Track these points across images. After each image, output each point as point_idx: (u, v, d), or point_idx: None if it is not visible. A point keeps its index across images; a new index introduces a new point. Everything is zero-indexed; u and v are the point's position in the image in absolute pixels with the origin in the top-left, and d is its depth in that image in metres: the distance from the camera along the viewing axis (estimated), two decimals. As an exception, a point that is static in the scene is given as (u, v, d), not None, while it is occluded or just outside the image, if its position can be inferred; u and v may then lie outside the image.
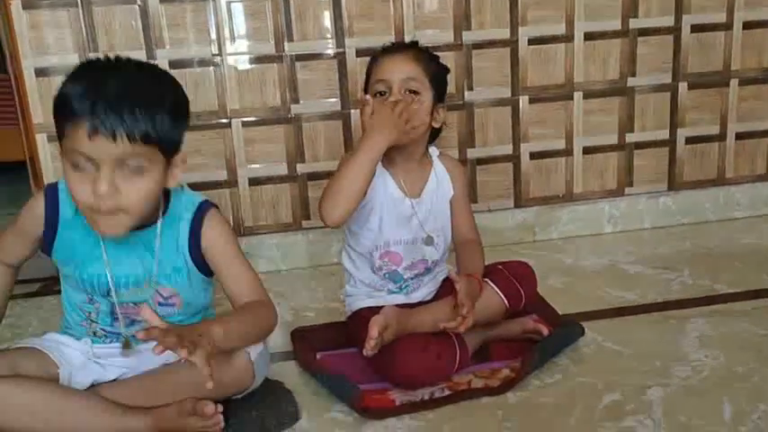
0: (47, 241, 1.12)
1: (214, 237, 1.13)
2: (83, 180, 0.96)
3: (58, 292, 1.81)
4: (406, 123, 1.26)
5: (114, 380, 1.17)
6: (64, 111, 0.95)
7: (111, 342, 1.19)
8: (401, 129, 1.26)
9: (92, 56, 1.72)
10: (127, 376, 1.17)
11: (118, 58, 1.01)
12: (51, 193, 1.10)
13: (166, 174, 1.03)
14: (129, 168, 0.96)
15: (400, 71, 1.31)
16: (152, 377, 1.14)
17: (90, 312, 1.17)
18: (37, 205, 1.11)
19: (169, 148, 1.01)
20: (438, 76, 1.36)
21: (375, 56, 1.38)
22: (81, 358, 1.16)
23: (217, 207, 1.17)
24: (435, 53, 1.41)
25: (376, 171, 1.28)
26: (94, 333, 1.19)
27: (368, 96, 1.29)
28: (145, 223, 1.08)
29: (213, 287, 1.23)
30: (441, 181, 1.41)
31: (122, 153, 0.94)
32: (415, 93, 1.31)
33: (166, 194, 1.11)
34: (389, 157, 1.35)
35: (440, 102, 1.37)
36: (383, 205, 1.34)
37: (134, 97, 0.94)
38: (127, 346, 1.17)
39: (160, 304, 1.15)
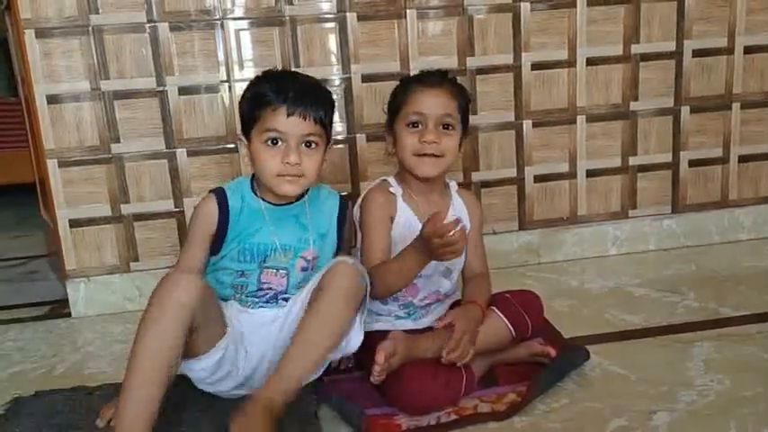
0: (219, 234, 1.30)
1: (348, 223, 1.42)
2: (275, 154, 1.26)
3: (68, 315, 1.87)
4: (446, 256, 1.20)
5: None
6: (264, 101, 1.26)
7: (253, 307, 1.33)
8: (442, 258, 1.21)
9: (104, 82, 1.77)
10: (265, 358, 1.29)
11: (287, 70, 1.42)
12: (220, 192, 1.33)
13: (323, 158, 1.32)
14: (308, 145, 1.27)
15: (438, 107, 1.33)
16: (304, 325, 1.22)
17: (240, 287, 1.32)
18: (209, 207, 1.31)
19: (329, 135, 1.33)
20: (466, 111, 1.39)
21: (407, 84, 1.38)
22: (233, 336, 1.27)
23: None
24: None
25: (398, 203, 1.36)
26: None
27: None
28: (294, 201, 1.34)
29: None
30: (458, 214, 1.41)
31: (307, 130, 1.26)
32: (450, 127, 1.33)
33: None
34: (412, 188, 1.37)
35: (464, 133, 1.39)
36: (404, 238, 1.32)
37: (316, 94, 1.29)
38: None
39: (303, 269, 1.33)
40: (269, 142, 1.26)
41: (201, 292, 1.15)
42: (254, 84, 1.32)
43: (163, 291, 1.13)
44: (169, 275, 1.17)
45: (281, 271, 1.31)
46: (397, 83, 1.43)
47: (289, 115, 1.24)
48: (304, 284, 1.32)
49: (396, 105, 1.38)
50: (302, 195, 1.36)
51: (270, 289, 1.32)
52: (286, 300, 1.32)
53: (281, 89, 1.26)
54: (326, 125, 1.31)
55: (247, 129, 1.30)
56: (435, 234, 1.15)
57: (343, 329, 1.22)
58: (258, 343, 1.28)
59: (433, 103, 1.33)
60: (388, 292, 1.32)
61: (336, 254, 1.38)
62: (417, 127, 1.33)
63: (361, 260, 1.35)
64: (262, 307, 1.32)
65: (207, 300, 1.18)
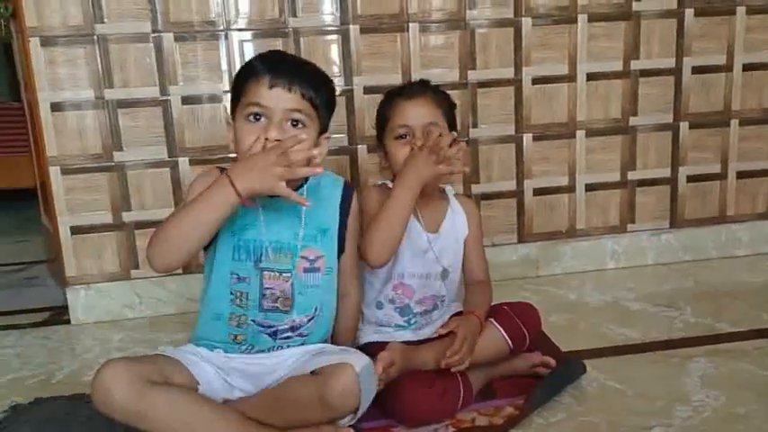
0: None
1: (354, 212, 1.32)
2: (255, 130, 1.16)
3: (67, 321, 1.87)
4: (439, 164, 1.26)
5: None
6: (250, 71, 1.18)
7: (246, 351, 1.23)
8: (435, 170, 1.26)
9: (108, 91, 1.79)
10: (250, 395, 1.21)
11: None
12: (222, 170, 1.20)
13: (315, 144, 1.21)
14: (294, 124, 1.17)
15: (422, 117, 1.34)
16: (274, 394, 1.17)
17: (241, 294, 1.21)
18: (213, 177, 1.18)
19: (322, 118, 1.22)
20: (451, 115, 1.41)
21: (390, 98, 1.40)
22: (214, 375, 1.21)
23: None
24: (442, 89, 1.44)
25: None
26: (235, 338, 1.23)
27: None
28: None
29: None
30: (456, 219, 1.43)
31: (292, 104, 1.16)
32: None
33: None
34: None
35: None
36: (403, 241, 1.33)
37: (305, 70, 1.21)
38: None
39: (305, 270, 1.23)
40: (251, 118, 1.16)
41: (132, 376, 1.06)
42: (250, 60, 1.24)
43: (100, 389, 1.06)
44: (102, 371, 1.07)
45: (284, 274, 1.22)
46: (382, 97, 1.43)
47: (272, 87, 1.15)
48: (309, 291, 1.23)
49: (382, 120, 1.40)
50: (301, 185, 1.25)
51: (273, 294, 1.21)
52: (286, 338, 1.23)
53: (268, 60, 1.19)
54: (318, 107, 1.19)
55: (234, 108, 1.21)
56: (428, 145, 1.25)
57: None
58: (251, 385, 1.22)
59: (417, 114, 1.34)
60: (384, 244, 1.26)
61: (339, 255, 1.28)
62: (405, 139, 1.34)
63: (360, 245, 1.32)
64: (258, 348, 1.23)
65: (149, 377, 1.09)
